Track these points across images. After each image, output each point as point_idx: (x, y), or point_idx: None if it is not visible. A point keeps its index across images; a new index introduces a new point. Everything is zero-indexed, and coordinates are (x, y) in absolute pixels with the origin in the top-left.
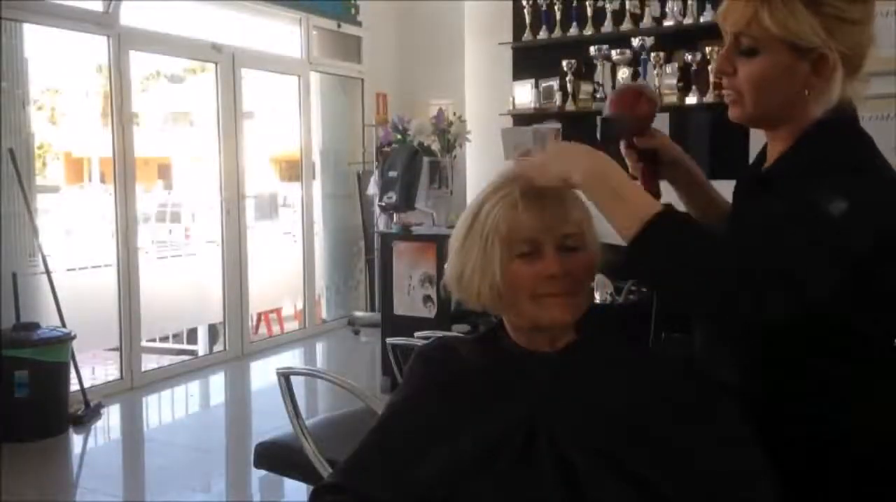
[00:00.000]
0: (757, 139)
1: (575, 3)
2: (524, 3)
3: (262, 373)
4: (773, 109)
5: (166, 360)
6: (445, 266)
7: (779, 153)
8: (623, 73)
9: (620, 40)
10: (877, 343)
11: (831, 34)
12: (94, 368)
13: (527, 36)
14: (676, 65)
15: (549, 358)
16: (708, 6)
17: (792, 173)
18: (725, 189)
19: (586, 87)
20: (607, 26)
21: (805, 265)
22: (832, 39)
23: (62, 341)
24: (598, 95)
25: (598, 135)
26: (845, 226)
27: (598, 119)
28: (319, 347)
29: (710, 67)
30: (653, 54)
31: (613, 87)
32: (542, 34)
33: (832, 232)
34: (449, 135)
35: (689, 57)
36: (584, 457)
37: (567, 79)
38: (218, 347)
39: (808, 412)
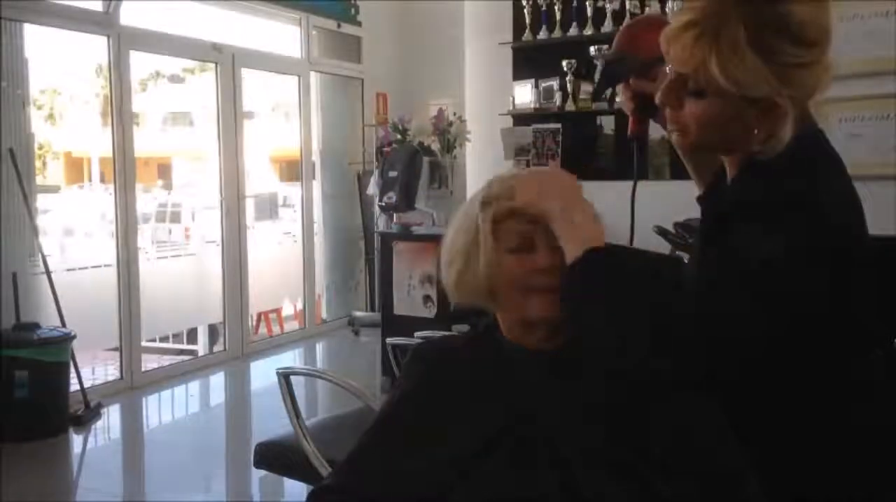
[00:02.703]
0: None
1: (575, 3)
2: (524, 3)
3: (262, 373)
4: (720, 144)
5: (166, 360)
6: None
7: (730, 180)
8: None
9: None
10: (853, 364)
11: (784, 81)
12: (94, 368)
13: (527, 36)
14: None
15: (543, 356)
16: None
17: (733, 210)
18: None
19: (586, 87)
20: (607, 26)
21: (730, 318)
22: (784, 86)
23: (62, 341)
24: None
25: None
26: (768, 272)
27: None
28: (319, 347)
29: None
30: None
31: (613, 87)
32: (542, 34)
33: (755, 279)
34: (449, 135)
35: None
36: (581, 456)
37: (567, 79)
38: (218, 347)
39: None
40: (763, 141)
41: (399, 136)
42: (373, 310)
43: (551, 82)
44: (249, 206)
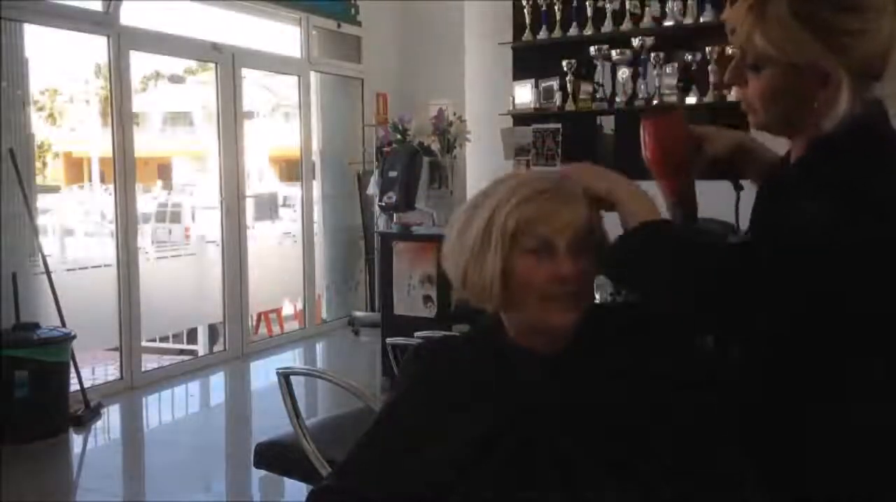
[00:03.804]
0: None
1: (575, 3)
2: (524, 3)
3: (262, 373)
4: (785, 120)
5: (166, 360)
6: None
7: (795, 160)
8: (623, 73)
9: (620, 40)
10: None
11: (830, 48)
12: (94, 368)
13: (527, 36)
14: (676, 65)
15: (547, 358)
16: (708, 6)
17: (793, 188)
18: (722, 189)
19: (586, 87)
20: (607, 26)
21: (761, 294)
22: (832, 54)
23: (62, 341)
24: (598, 95)
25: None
26: (817, 259)
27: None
28: (319, 347)
29: (709, 68)
30: (653, 54)
31: (613, 87)
32: (542, 34)
33: (800, 265)
34: (449, 135)
35: (689, 57)
36: (582, 458)
37: (567, 79)
38: (218, 347)
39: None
40: (822, 113)
41: (399, 136)
42: (373, 310)
43: (551, 82)
44: (249, 206)
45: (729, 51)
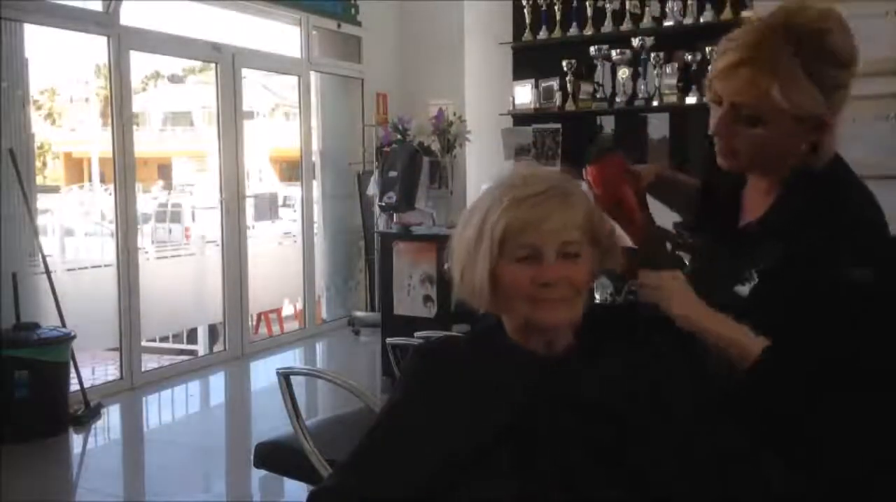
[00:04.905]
0: None
1: (575, 3)
2: (524, 3)
3: (262, 373)
4: (768, 164)
5: (166, 360)
6: (446, 266)
7: (764, 201)
8: (623, 73)
9: (620, 40)
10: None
11: (829, 100)
12: (94, 368)
13: (527, 36)
14: (676, 65)
15: (547, 358)
16: (708, 6)
17: (803, 225)
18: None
19: (586, 87)
20: (607, 26)
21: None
22: (829, 105)
23: (62, 341)
24: (598, 95)
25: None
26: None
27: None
28: (319, 347)
29: (709, 67)
30: (653, 54)
31: (613, 87)
32: (542, 34)
33: (863, 296)
34: (449, 135)
35: (689, 57)
36: (582, 458)
37: (567, 79)
38: (218, 347)
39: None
40: (809, 152)
41: (399, 136)
42: (373, 310)
43: (551, 82)
44: (249, 206)
45: None
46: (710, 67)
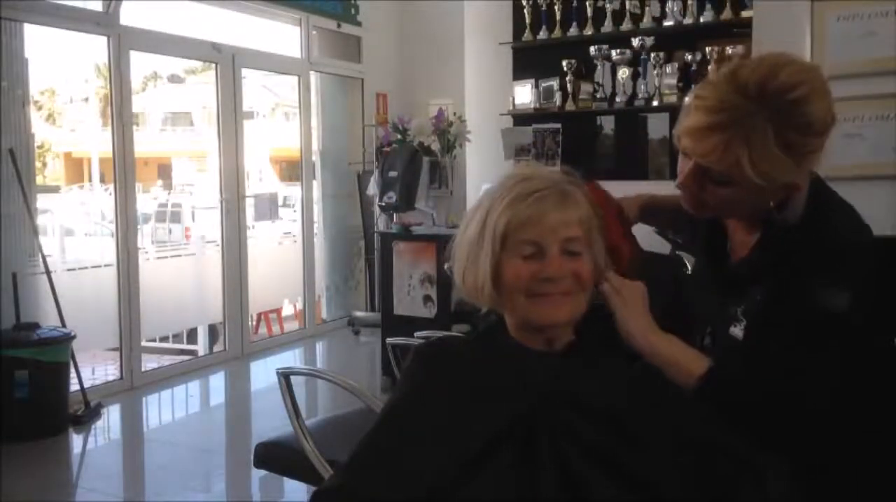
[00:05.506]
0: None
1: (575, 3)
2: (524, 3)
3: (262, 373)
4: (738, 215)
5: (166, 360)
6: (446, 265)
7: (748, 233)
8: (623, 73)
9: (620, 40)
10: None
11: (801, 166)
12: (94, 368)
13: (527, 36)
14: (676, 65)
15: (548, 357)
16: (708, 6)
17: (787, 263)
18: None
19: (586, 87)
20: (607, 26)
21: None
22: (801, 170)
23: (62, 341)
24: (598, 95)
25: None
26: (847, 314)
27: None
28: (319, 347)
29: (709, 68)
30: (653, 54)
31: (613, 87)
32: (542, 34)
33: (841, 325)
34: (449, 135)
35: (689, 57)
36: (583, 458)
37: (567, 79)
38: (218, 347)
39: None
40: (778, 208)
41: (399, 136)
42: (373, 310)
43: (551, 82)
44: (249, 206)
45: (729, 51)
46: (677, 121)
